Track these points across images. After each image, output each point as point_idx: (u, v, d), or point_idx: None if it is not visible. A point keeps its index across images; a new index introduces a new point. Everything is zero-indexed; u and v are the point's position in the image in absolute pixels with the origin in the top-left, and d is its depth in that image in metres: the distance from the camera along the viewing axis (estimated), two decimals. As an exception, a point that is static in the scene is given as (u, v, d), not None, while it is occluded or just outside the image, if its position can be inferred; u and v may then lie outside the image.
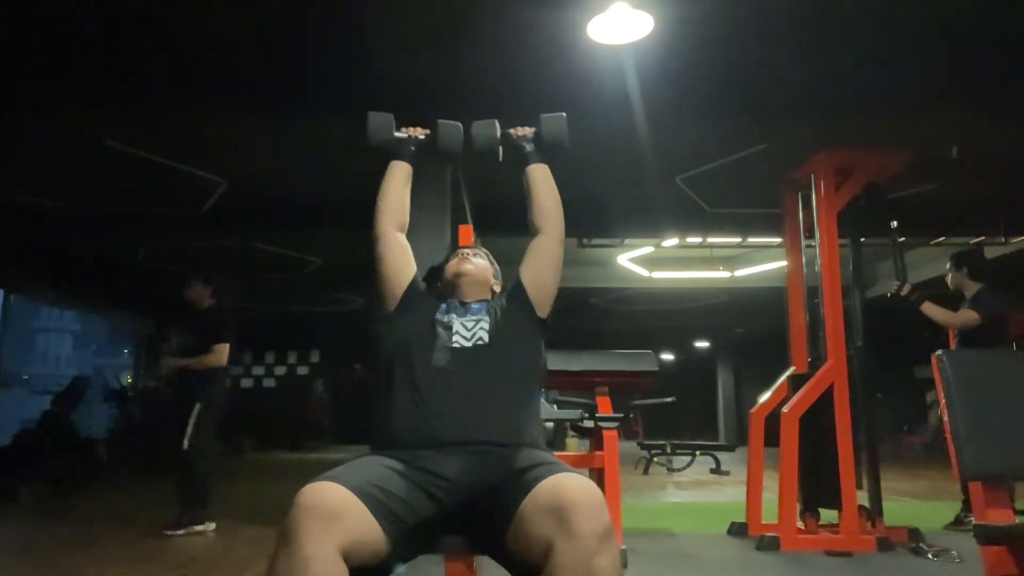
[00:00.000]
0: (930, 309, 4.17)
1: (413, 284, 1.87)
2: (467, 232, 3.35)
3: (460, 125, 1.97)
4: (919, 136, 4.88)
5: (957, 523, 4.33)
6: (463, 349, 1.73)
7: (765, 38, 3.88)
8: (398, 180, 1.95)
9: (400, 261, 1.88)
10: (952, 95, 4.45)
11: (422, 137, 1.99)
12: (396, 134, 1.97)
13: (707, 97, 4.54)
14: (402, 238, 1.91)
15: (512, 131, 1.97)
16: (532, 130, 1.96)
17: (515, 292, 1.86)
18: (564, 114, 1.93)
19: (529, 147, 1.93)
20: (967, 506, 4.29)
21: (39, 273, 9.45)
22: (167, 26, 3.84)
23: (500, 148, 1.96)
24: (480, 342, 1.74)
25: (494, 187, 6.18)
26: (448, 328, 1.77)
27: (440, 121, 1.97)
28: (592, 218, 6.55)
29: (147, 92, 4.53)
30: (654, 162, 5.35)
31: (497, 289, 2.00)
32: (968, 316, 4.17)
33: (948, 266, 4.50)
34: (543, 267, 1.86)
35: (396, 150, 1.97)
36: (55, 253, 8.73)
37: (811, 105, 4.63)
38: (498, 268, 2.03)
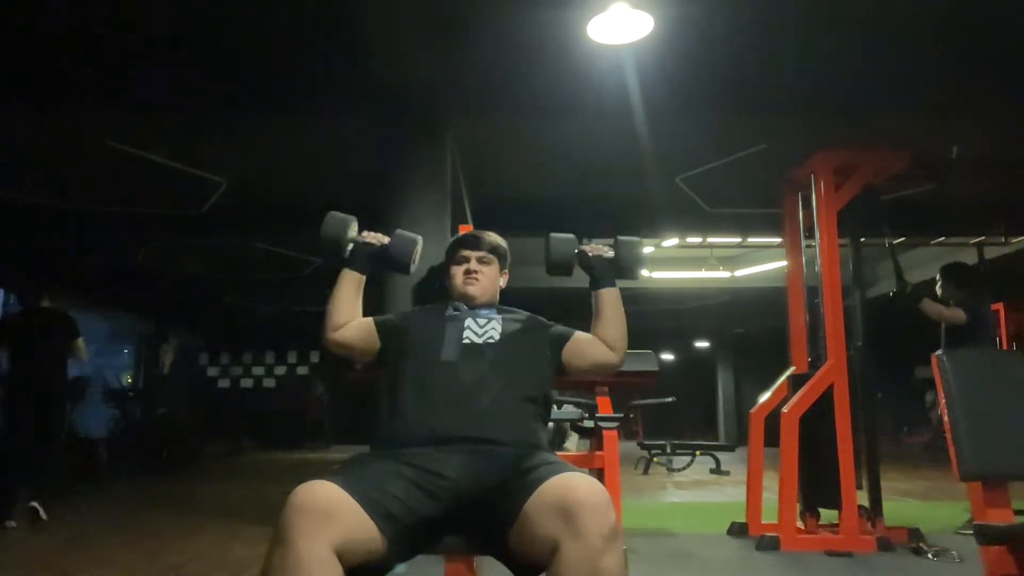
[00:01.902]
0: (927, 305, 4.37)
1: (384, 331, 1.85)
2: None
3: (418, 238, 1.93)
4: (919, 136, 4.89)
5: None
6: (473, 345, 1.73)
7: (765, 38, 3.89)
8: (348, 291, 1.89)
9: (359, 342, 1.86)
10: (952, 95, 4.46)
11: (377, 244, 1.92)
12: (352, 235, 1.90)
13: (707, 97, 4.55)
14: (346, 329, 1.87)
15: (588, 248, 1.93)
16: (608, 249, 1.93)
17: (554, 341, 1.85)
18: (640, 239, 1.93)
19: (601, 271, 1.90)
20: None
21: (39, 273, 9.45)
22: (167, 27, 3.84)
23: (575, 264, 1.94)
24: (490, 340, 1.75)
25: (494, 187, 6.19)
26: (459, 325, 1.78)
27: (397, 231, 1.93)
28: (592, 218, 6.55)
29: (147, 92, 4.53)
30: (654, 162, 5.36)
31: (504, 282, 1.98)
32: (957, 314, 4.35)
33: (937, 277, 4.60)
34: (588, 365, 1.85)
35: (350, 254, 1.90)
36: (55, 253, 8.73)
37: (811, 105, 4.64)
38: (506, 249, 1.99)
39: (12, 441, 4.90)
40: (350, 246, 1.90)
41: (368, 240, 1.92)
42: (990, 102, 4.57)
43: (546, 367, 1.81)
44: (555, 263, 1.93)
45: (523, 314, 1.91)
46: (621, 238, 1.92)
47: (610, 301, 1.88)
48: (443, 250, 2.01)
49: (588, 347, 1.85)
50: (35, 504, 4.72)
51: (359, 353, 1.89)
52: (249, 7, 3.70)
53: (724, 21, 3.69)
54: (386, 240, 1.93)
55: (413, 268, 1.94)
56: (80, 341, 5.15)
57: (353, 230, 1.92)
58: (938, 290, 4.59)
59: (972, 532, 4.22)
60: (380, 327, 1.86)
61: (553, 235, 1.93)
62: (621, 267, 1.91)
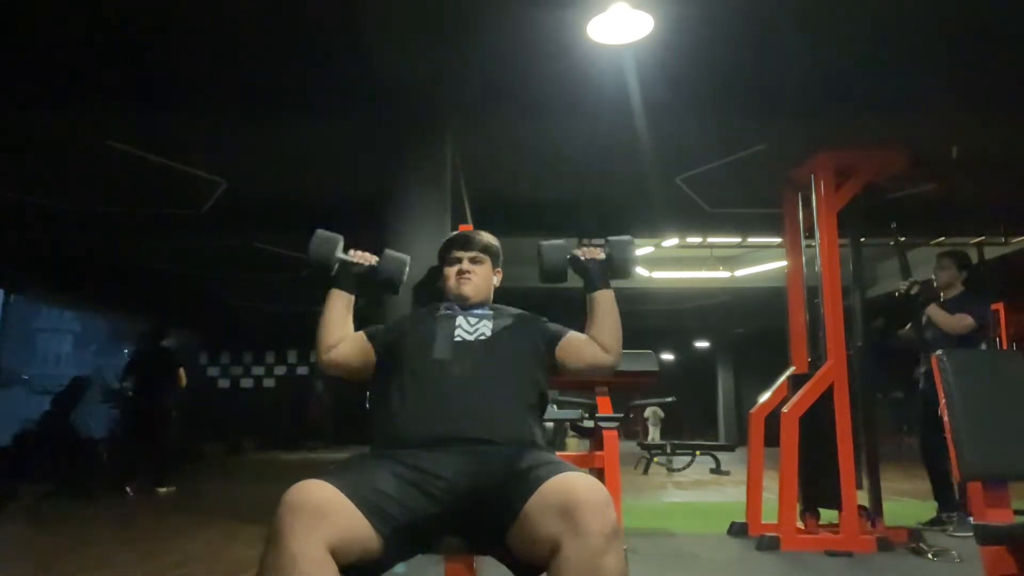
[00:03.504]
0: (934, 311, 4.30)
1: (379, 344, 1.84)
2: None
3: (406, 257, 1.92)
4: (919, 136, 4.89)
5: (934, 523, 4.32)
6: (464, 342, 1.73)
7: (765, 38, 3.89)
8: (338, 311, 1.88)
9: (356, 359, 1.84)
10: (952, 95, 4.45)
11: (366, 264, 1.91)
12: (340, 255, 1.89)
13: (707, 97, 4.54)
14: (342, 346, 1.85)
15: (580, 252, 1.93)
16: (600, 252, 1.92)
17: (547, 338, 1.84)
18: (631, 238, 1.91)
19: (595, 272, 1.89)
20: (952, 505, 4.31)
21: (39, 273, 9.46)
22: (167, 27, 3.84)
23: (568, 270, 1.93)
24: (482, 336, 1.75)
25: (494, 187, 6.19)
26: (451, 323, 1.77)
27: (386, 251, 1.92)
28: (592, 218, 6.55)
29: (147, 92, 4.53)
30: (654, 162, 5.36)
31: (497, 281, 1.98)
32: (966, 322, 4.24)
33: (946, 263, 4.48)
34: (583, 366, 1.83)
35: (337, 273, 1.89)
36: (55, 253, 8.73)
37: (811, 105, 4.63)
38: (498, 247, 1.98)
39: (128, 438, 6.99)
40: (337, 265, 1.88)
41: (356, 260, 1.91)
42: (990, 102, 4.57)
43: (539, 362, 1.80)
44: (549, 271, 1.92)
45: (514, 311, 1.90)
46: (612, 239, 1.92)
47: (605, 303, 1.87)
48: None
49: (583, 347, 1.84)
50: (128, 488, 6.36)
51: (356, 372, 1.84)
52: (250, 8, 3.70)
53: (724, 21, 3.69)
54: (374, 260, 1.91)
55: (400, 289, 1.93)
56: (181, 371, 6.90)
57: (340, 248, 1.90)
58: (942, 276, 4.43)
59: (935, 527, 4.22)
60: (373, 336, 1.85)
61: (544, 243, 1.92)
62: (614, 268, 1.91)
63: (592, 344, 1.84)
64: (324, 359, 1.84)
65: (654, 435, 12.65)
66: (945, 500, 4.33)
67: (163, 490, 6.48)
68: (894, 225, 4.41)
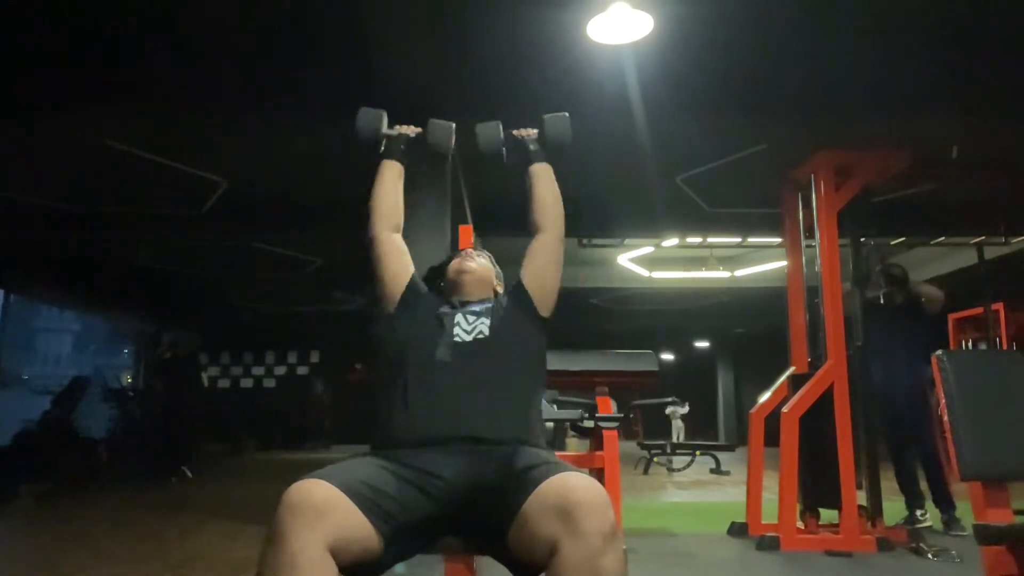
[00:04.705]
0: (927, 287, 4.64)
1: (412, 284, 1.87)
2: (467, 232, 3.34)
3: (452, 124, 1.97)
4: (919, 136, 4.88)
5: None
6: (463, 343, 1.73)
7: (765, 38, 3.89)
8: (389, 180, 1.93)
9: (397, 263, 1.88)
10: (952, 95, 4.45)
11: (412, 135, 1.97)
12: (386, 130, 1.95)
13: (707, 97, 4.54)
14: (398, 239, 1.91)
15: (516, 132, 1.99)
16: (535, 131, 1.98)
17: (517, 291, 1.87)
18: (567, 114, 1.94)
19: (533, 147, 1.95)
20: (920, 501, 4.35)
21: (39, 273, 9.45)
22: (167, 26, 3.84)
23: (504, 149, 1.97)
24: (480, 336, 1.74)
25: (494, 187, 6.19)
26: (450, 323, 1.77)
27: (431, 120, 1.97)
28: (592, 218, 6.54)
29: (147, 92, 4.53)
30: (654, 162, 5.35)
31: (500, 290, 2.00)
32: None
33: (891, 280, 4.66)
34: (544, 266, 1.87)
35: (385, 148, 1.95)
36: (55, 253, 8.73)
37: (811, 105, 4.63)
38: (499, 270, 2.03)
39: (168, 431, 8.11)
40: (384, 140, 1.95)
41: (402, 131, 1.97)
42: (990, 102, 4.57)
43: (536, 334, 1.82)
44: (485, 148, 1.95)
45: (504, 298, 1.91)
46: (547, 115, 1.96)
47: (541, 176, 1.93)
48: (443, 250, 2.02)
49: (532, 260, 1.88)
50: (184, 468, 7.73)
51: (381, 274, 1.86)
52: (249, 7, 3.70)
53: (725, 21, 3.68)
54: (419, 130, 1.98)
55: (451, 154, 1.98)
56: (202, 374, 8.95)
57: (384, 123, 1.95)
58: (892, 293, 4.68)
59: (910, 525, 4.32)
60: (410, 285, 1.87)
61: (479, 124, 1.96)
62: (549, 143, 1.95)
63: (533, 247, 1.88)
64: (375, 232, 1.87)
65: (679, 434, 12.78)
66: (912, 497, 4.37)
67: (189, 473, 7.69)
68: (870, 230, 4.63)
